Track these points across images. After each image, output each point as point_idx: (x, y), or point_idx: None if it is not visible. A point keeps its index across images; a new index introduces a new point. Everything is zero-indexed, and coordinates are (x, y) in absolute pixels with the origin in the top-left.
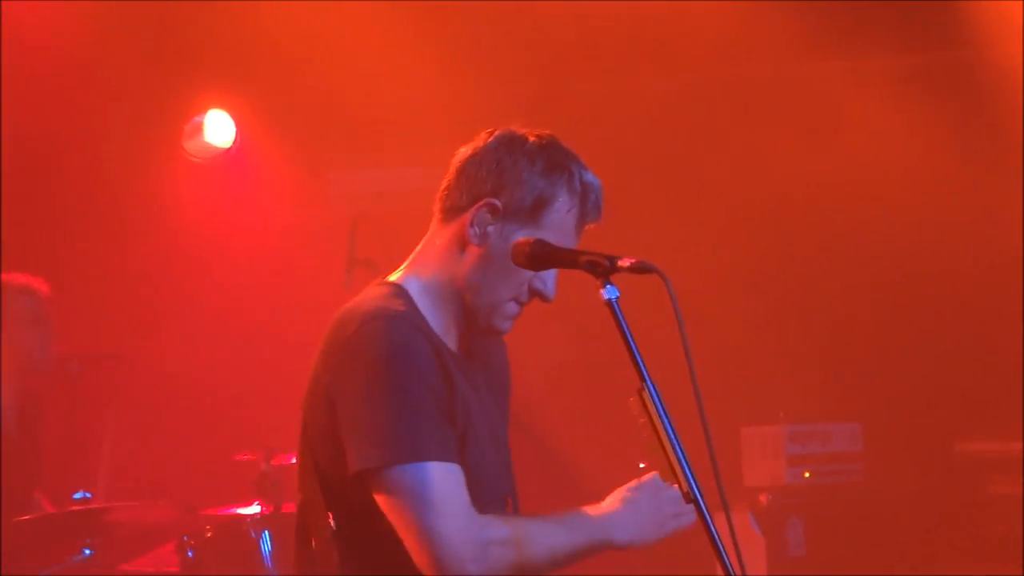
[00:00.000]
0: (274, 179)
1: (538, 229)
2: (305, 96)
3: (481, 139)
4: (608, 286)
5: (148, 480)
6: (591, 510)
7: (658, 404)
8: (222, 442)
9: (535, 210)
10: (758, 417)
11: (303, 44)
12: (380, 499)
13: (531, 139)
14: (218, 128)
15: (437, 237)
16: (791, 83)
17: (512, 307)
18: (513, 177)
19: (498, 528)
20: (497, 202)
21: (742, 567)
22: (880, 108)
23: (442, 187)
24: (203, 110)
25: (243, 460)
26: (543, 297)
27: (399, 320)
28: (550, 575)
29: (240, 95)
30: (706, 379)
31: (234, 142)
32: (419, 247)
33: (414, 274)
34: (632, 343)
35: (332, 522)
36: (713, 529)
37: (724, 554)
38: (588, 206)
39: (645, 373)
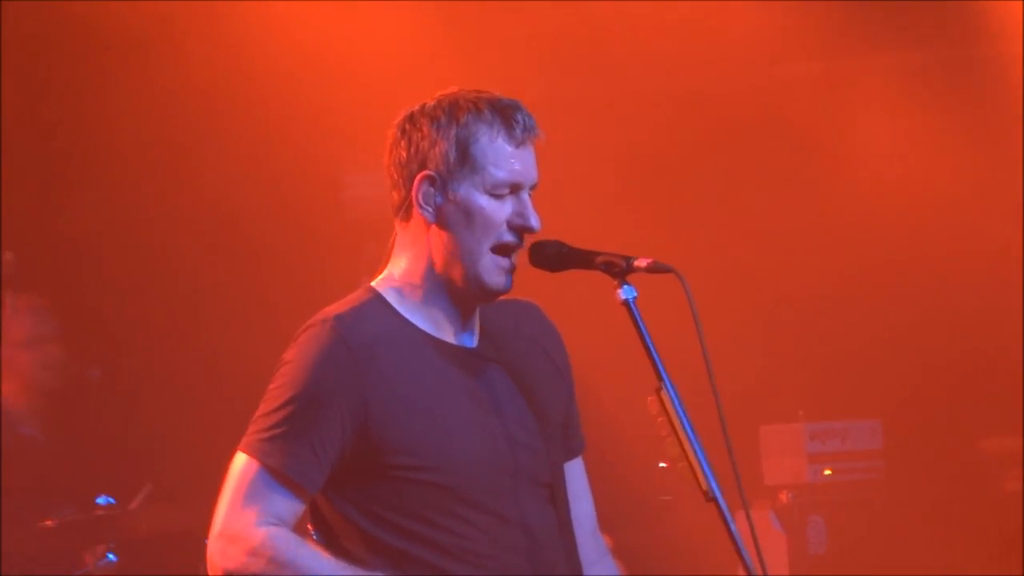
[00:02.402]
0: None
1: (477, 172)
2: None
3: (390, 129)
4: (625, 286)
5: (171, 485)
6: None
7: (676, 403)
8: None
9: (463, 157)
10: (777, 415)
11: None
12: (232, 464)
13: (428, 103)
14: None
15: (402, 238)
16: (798, 83)
17: (497, 259)
18: (428, 143)
19: (254, 535)
20: (429, 172)
21: (763, 566)
22: (886, 106)
23: (388, 194)
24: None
25: None
26: (527, 228)
27: (321, 328)
28: None
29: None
30: (724, 378)
31: None
32: (392, 254)
33: (390, 275)
34: (650, 343)
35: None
36: (733, 528)
37: (744, 553)
38: (513, 124)
39: (663, 373)
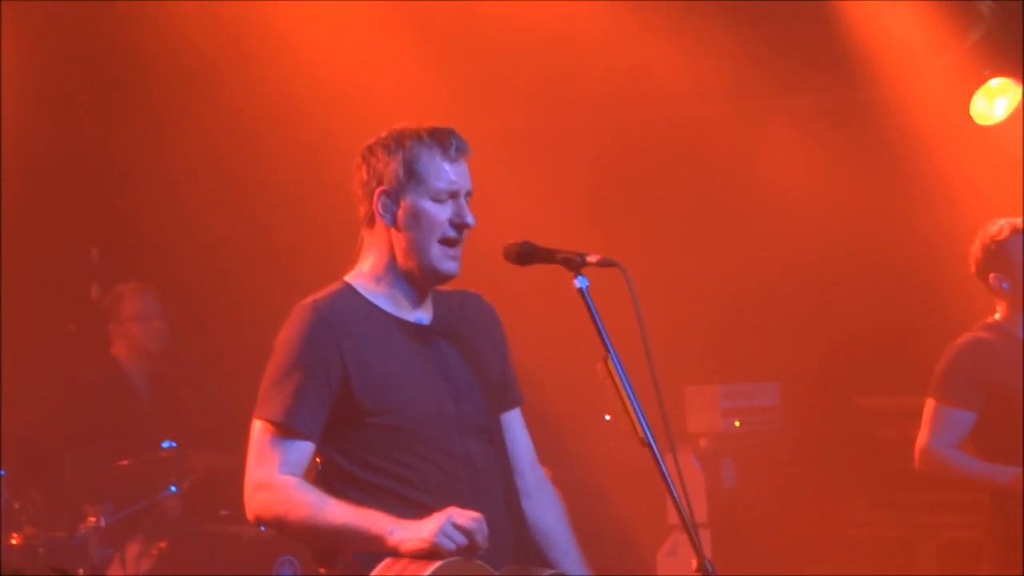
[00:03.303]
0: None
1: (421, 184)
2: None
3: (353, 163)
4: (579, 277)
5: (222, 428)
6: (383, 516)
7: (619, 369)
8: None
9: (410, 174)
10: (698, 378)
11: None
12: (251, 434)
13: (380, 135)
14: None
15: (368, 243)
16: (726, 119)
17: (445, 249)
18: (382, 164)
19: (279, 484)
20: (384, 188)
21: (686, 496)
22: (794, 139)
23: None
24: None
25: None
26: (464, 224)
27: (303, 309)
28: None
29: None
30: (657, 349)
31: None
32: (360, 256)
33: (359, 271)
34: (598, 322)
35: (319, 462)
36: (663, 466)
37: (672, 486)
38: (447, 145)
39: (609, 345)
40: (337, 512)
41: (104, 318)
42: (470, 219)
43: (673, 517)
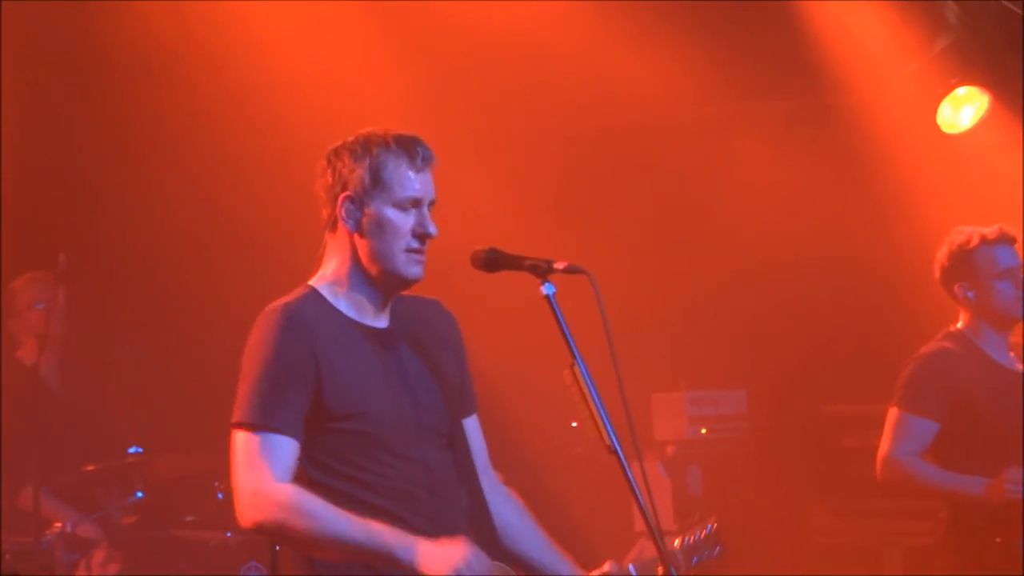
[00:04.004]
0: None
1: (386, 191)
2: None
3: (317, 167)
4: (546, 284)
5: (188, 434)
6: (397, 533)
7: (586, 376)
8: None
9: (375, 181)
10: (665, 385)
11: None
12: (231, 445)
13: (347, 140)
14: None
15: (331, 246)
16: (693, 125)
17: (409, 255)
18: (348, 170)
19: (278, 491)
20: (349, 193)
21: (652, 503)
22: (761, 146)
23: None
24: None
25: None
26: (427, 234)
27: (273, 313)
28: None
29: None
30: (624, 356)
31: None
32: (323, 259)
33: (322, 276)
34: (565, 328)
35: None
36: (629, 474)
37: (638, 493)
38: (413, 154)
39: (575, 351)
40: (352, 526)
41: (4, 315)
42: (432, 229)
43: (640, 525)
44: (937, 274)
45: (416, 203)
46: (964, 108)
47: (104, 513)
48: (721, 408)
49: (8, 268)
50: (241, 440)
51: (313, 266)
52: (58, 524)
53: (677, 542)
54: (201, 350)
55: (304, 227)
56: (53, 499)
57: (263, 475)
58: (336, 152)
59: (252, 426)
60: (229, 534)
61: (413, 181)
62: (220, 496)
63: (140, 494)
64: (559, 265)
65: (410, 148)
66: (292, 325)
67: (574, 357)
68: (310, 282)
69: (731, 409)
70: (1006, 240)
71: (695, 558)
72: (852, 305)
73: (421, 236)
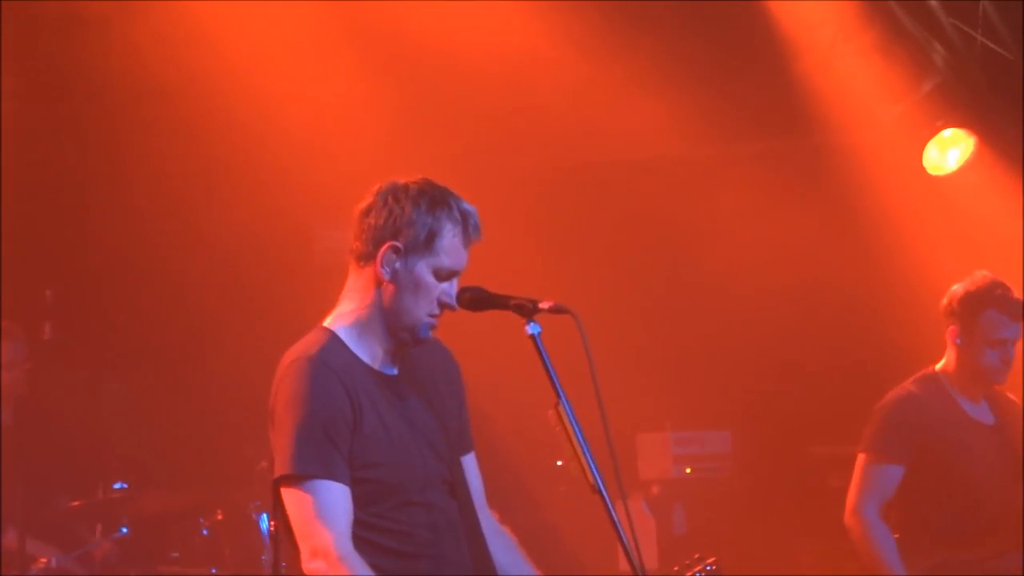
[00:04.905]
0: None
1: (433, 255)
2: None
3: (371, 193)
4: (531, 323)
5: (173, 472)
6: None
7: (570, 415)
8: (235, 441)
9: (428, 242)
10: (650, 425)
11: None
12: (285, 499)
13: (411, 186)
14: None
15: (355, 281)
16: (679, 166)
17: (429, 319)
18: (405, 220)
19: (337, 560)
20: (398, 243)
21: (636, 542)
22: (748, 187)
23: (351, 240)
24: None
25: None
26: (450, 306)
27: (309, 363)
28: None
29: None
30: (609, 396)
31: None
32: (343, 293)
33: (341, 316)
34: (550, 368)
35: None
36: (613, 513)
37: (622, 533)
38: (469, 229)
39: (560, 391)
40: None
41: None
42: (456, 303)
43: (624, 565)
44: (943, 305)
45: (453, 274)
46: (950, 150)
47: (88, 548)
48: (706, 448)
49: None
50: (298, 492)
51: (305, 301)
52: (43, 560)
53: None
54: (189, 386)
55: (295, 264)
56: (35, 539)
57: (325, 536)
58: (395, 194)
59: (309, 477)
60: (214, 570)
61: (460, 253)
62: (205, 532)
63: (125, 530)
64: (544, 305)
65: (468, 220)
66: (330, 371)
67: (559, 397)
68: (327, 324)
69: (716, 449)
70: (1014, 315)
71: None
72: (839, 345)
73: (444, 305)
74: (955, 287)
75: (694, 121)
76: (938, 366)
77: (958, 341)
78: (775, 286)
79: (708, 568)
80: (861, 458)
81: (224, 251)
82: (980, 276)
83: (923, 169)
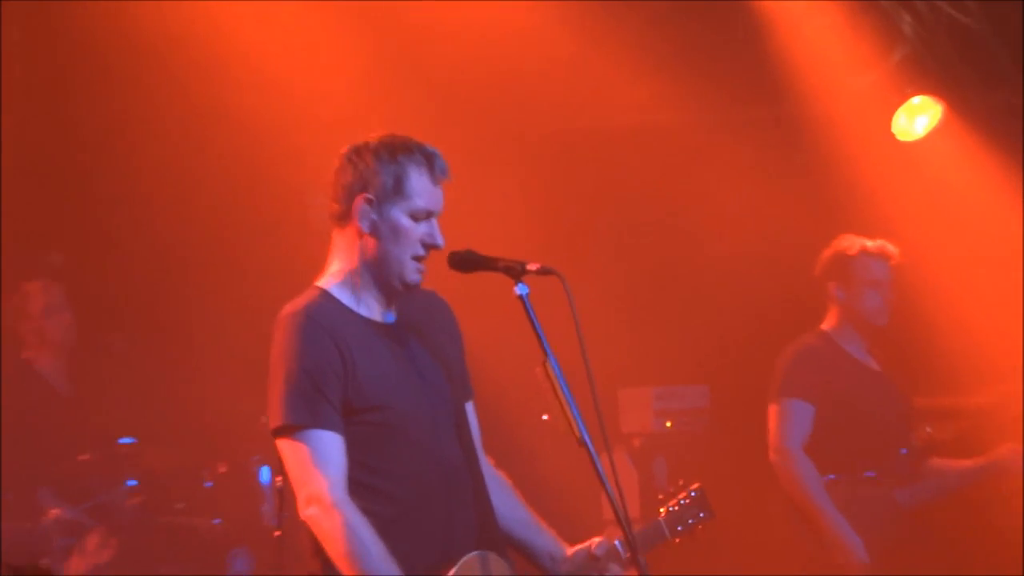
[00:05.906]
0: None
1: (405, 199)
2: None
3: (338, 157)
4: (520, 284)
5: (178, 427)
6: None
7: (557, 373)
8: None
9: (397, 187)
10: (632, 381)
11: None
12: (280, 450)
13: (372, 140)
14: None
15: (339, 241)
16: (656, 131)
17: (415, 264)
18: (371, 172)
19: (332, 516)
20: (369, 195)
21: (620, 493)
22: (722, 152)
23: (330, 205)
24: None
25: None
26: (435, 245)
27: (294, 317)
28: None
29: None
30: (593, 353)
31: None
32: (330, 255)
33: (331, 274)
34: (538, 327)
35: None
36: (598, 465)
37: (606, 483)
38: (435, 168)
39: (548, 349)
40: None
41: (13, 318)
42: (441, 241)
43: (608, 513)
44: (817, 270)
45: (429, 214)
46: (919, 117)
47: (97, 501)
48: (685, 402)
49: (3, 265)
50: (290, 443)
51: (302, 263)
52: (54, 511)
53: (662, 511)
54: (192, 342)
55: (291, 225)
56: (49, 495)
57: (319, 484)
58: (358, 151)
59: (301, 427)
60: (217, 521)
61: (431, 193)
62: (208, 485)
63: (133, 482)
64: (532, 267)
65: (432, 160)
66: (317, 326)
67: (546, 354)
68: (318, 283)
69: (694, 404)
70: (884, 256)
71: (680, 526)
72: (811, 303)
73: (429, 246)
74: (824, 253)
75: (670, 91)
76: (823, 326)
77: (840, 294)
78: (751, 247)
79: (692, 494)
80: (772, 406)
81: (224, 213)
82: (842, 238)
83: (892, 135)
